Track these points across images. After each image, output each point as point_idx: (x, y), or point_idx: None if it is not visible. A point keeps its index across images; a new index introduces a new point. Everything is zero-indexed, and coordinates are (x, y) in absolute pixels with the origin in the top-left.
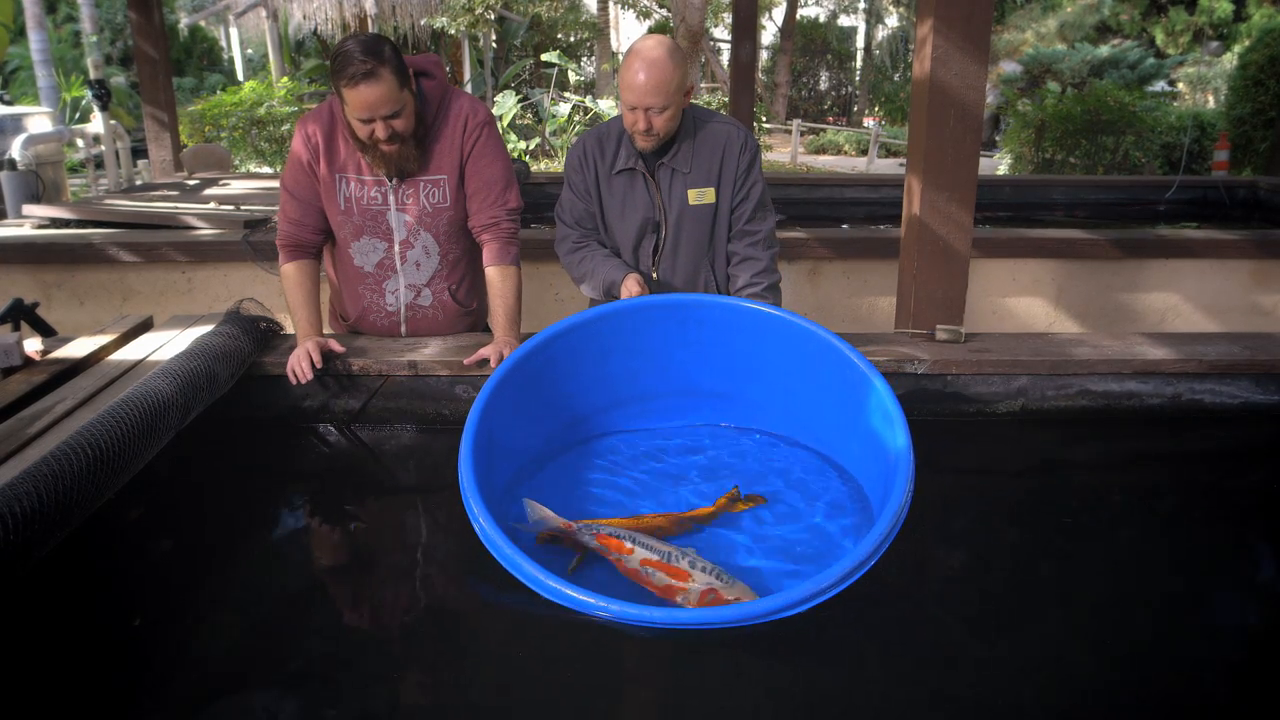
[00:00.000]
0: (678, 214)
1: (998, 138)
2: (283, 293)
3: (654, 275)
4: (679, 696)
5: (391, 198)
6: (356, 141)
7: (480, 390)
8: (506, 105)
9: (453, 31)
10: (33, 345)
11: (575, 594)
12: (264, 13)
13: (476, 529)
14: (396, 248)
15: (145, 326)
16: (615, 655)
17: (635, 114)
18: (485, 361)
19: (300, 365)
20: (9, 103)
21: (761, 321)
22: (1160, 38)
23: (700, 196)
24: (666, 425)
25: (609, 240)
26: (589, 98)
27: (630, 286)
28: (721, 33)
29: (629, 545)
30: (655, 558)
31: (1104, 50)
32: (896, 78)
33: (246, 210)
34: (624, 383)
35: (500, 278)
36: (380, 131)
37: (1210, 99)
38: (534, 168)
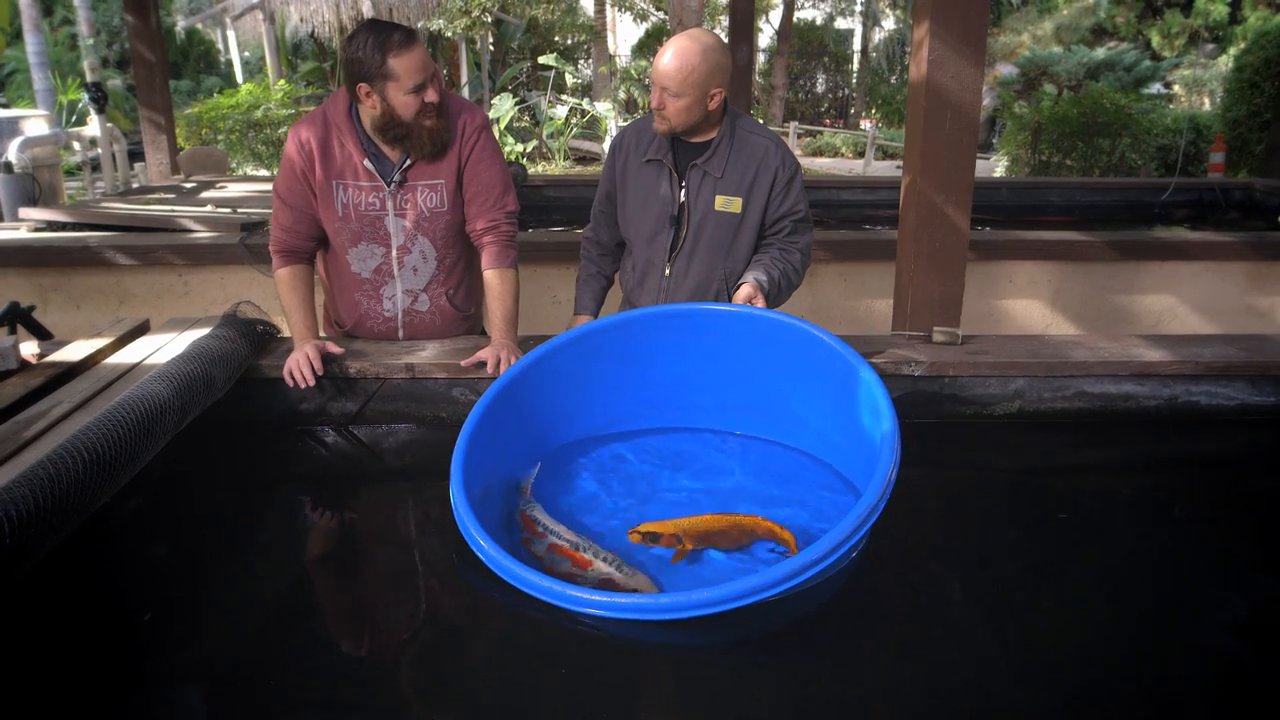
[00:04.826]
0: (701, 216)
1: (994, 140)
2: (278, 296)
3: (667, 271)
4: (680, 698)
5: (389, 203)
6: (398, 129)
7: (480, 397)
8: (504, 108)
9: (450, 34)
10: (29, 349)
11: (574, 592)
12: (261, 15)
13: (461, 528)
14: (394, 253)
15: (142, 330)
16: (617, 656)
17: (655, 90)
18: (482, 364)
19: (300, 370)
20: (5, 105)
21: (763, 327)
22: (1156, 40)
23: (728, 204)
24: (668, 432)
25: (625, 227)
26: (586, 100)
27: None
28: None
29: (540, 530)
30: (565, 545)
31: (1100, 53)
32: (893, 80)
33: (243, 213)
34: (623, 393)
35: (499, 281)
36: (432, 94)
37: (1206, 101)
38: (531, 170)
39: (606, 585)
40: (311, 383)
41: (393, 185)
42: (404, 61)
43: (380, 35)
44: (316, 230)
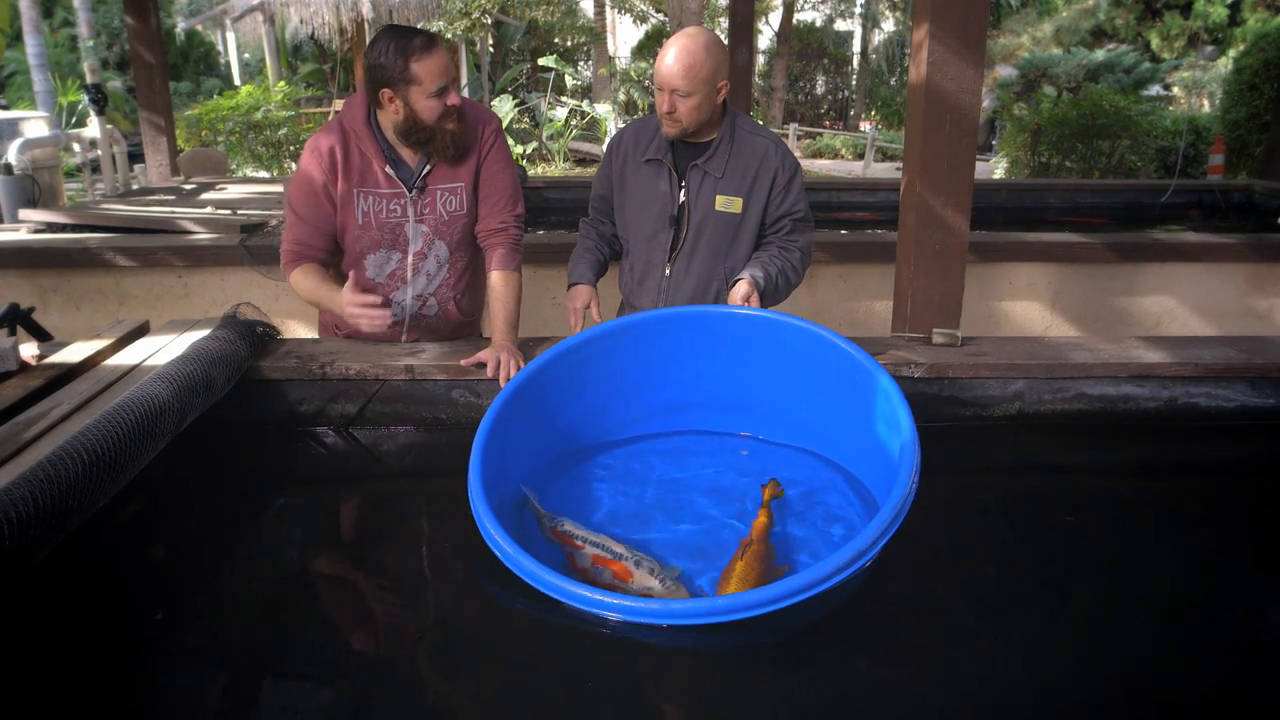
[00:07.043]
0: (701, 216)
1: (994, 141)
2: (298, 295)
3: (667, 271)
4: (690, 702)
5: (410, 209)
6: (420, 133)
7: (490, 405)
8: (503, 110)
9: (450, 36)
10: (28, 350)
11: (598, 597)
12: (261, 17)
13: (489, 542)
14: (410, 259)
15: (141, 331)
16: (630, 661)
17: (661, 95)
18: (482, 365)
19: (368, 315)
20: (5, 107)
21: (766, 328)
22: (1155, 42)
23: (728, 204)
24: (682, 434)
25: (624, 229)
26: (586, 102)
27: (571, 300)
28: None
29: (580, 543)
30: (606, 556)
31: (1099, 55)
32: (893, 82)
33: (243, 215)
34: (637, 395)
35: (503, 282)
36: (454, 97)
37: (1205, 103)
38: (531, 172)
39: (647, 596)
40: (385, 319)
41: (414, 191)
42: (426, 65)
43: (402, 40)
44: (330, 245)
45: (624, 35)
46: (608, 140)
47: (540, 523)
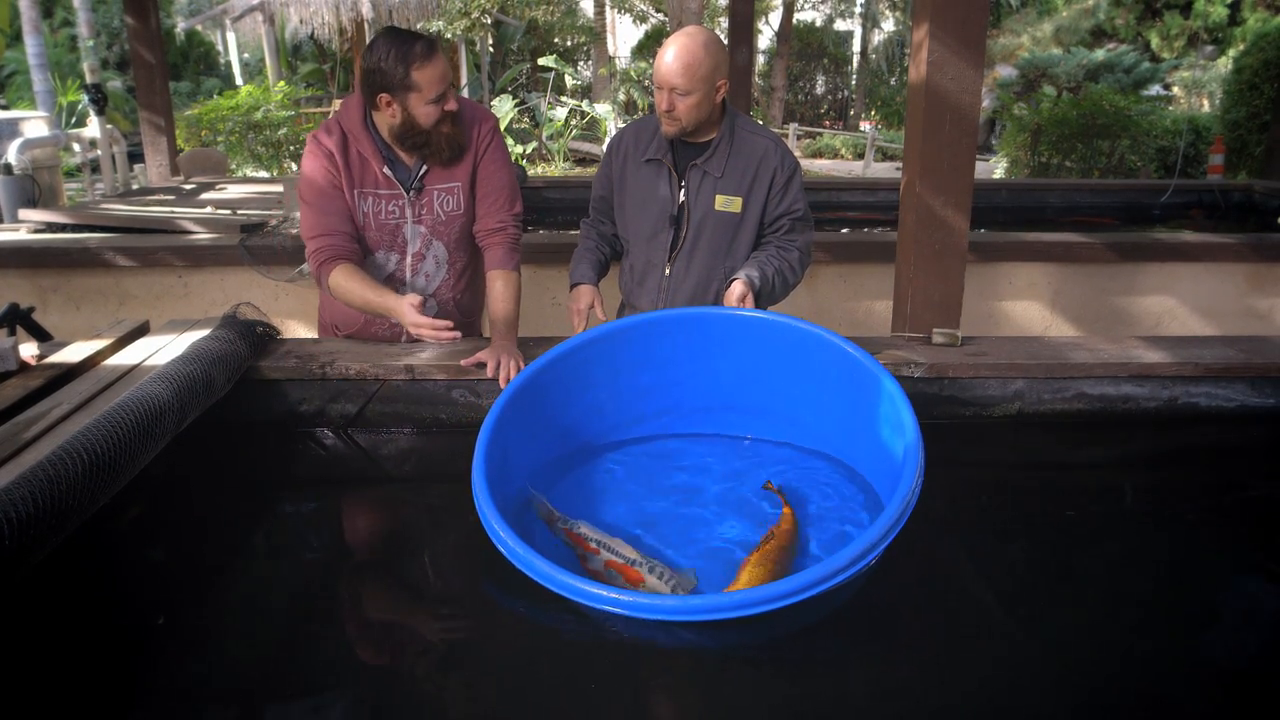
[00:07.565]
0: (701, 216)
1: (994, 141)
2: (339, 298)
3: (667, 271)
4: (689, 704)
5: (409, 210)
6: (417, 137)
7: (493, 404)
8: (503, 110)
9: (449, 36)
10: (28, 350)
11: (613, 595)
12: (260, 17)
13: (495, 540)
14: (409, 260)
15: (141, 331)
16: (628, 660)
17: (661, 94)
18: (482, 365)
19: (434, 331)
20: (5, 107)
21: (768, 330)
22: (1155, 42)
23: (728, 204)
24: (685, 436)
25: (624, 229)
26: (586, 102)
27: (574, 300)
28: None
29: (594, 546)
30: (619, 561)
31: (1099, 54)
32: (893, 82)
33: (243, 215)
34: (641, 396)
35: (502, 282)
36: (452, 103)
37: (1205, 103)
38: (531, 172)
39: None
40: (454, 335)
41: (412, 192)
42: (427, 73)
43: (403, 46)
44: (356, 231)
45: (624, 35)
46: (608, 140)
47: (554, 525)
